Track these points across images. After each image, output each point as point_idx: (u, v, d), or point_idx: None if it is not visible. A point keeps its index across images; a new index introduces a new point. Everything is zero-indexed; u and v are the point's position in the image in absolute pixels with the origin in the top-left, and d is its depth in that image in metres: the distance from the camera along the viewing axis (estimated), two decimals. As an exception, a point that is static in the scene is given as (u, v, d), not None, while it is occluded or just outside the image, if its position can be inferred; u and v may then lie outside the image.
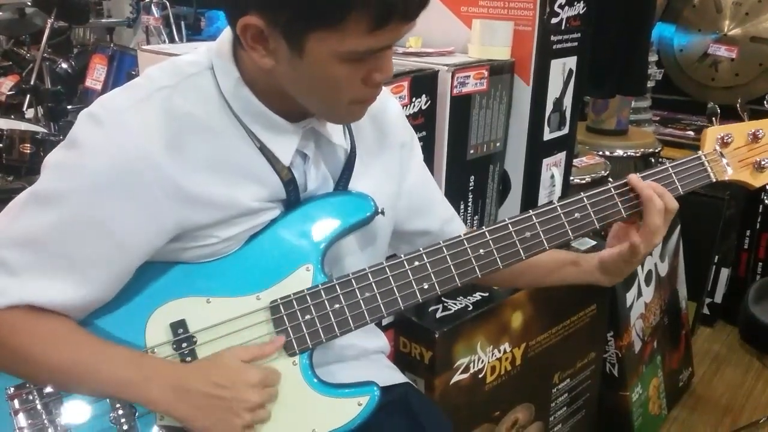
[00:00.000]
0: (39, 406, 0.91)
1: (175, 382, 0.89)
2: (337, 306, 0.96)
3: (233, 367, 0.91)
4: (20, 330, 0.89)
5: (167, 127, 0.88)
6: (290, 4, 0.79)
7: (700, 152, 1.10)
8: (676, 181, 1.07)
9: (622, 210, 1.05)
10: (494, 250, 1.01)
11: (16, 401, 0.91)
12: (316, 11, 0.79)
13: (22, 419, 0.90)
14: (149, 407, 0.91)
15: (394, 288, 0.98)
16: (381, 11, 0.79)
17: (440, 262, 0.99)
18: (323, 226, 0.99)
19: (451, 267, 0.99)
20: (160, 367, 0.91)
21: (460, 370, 1.52)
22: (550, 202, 1.05)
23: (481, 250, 1.01)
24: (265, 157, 0.94)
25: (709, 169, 1.09)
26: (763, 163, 1.10)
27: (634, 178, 1.06)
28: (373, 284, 0.97)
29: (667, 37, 3.50)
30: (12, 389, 0.91)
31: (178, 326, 0.94)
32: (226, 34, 0.93)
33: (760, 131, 1.10)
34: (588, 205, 1.04)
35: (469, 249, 1.00)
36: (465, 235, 1.01)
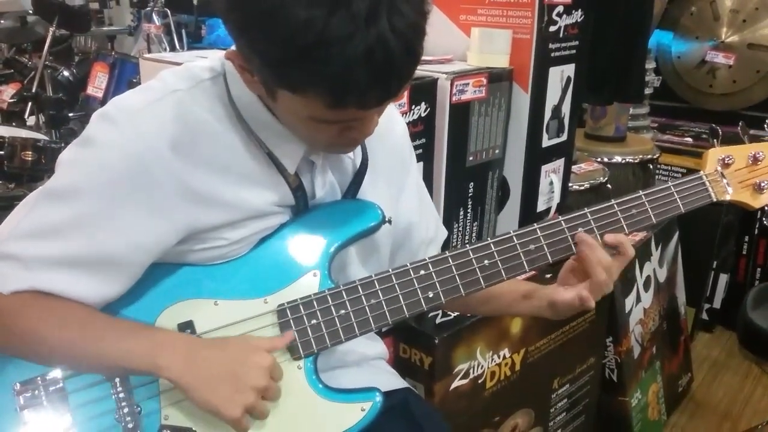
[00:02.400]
0: (45, 403, 0.92)
1: (187, 351, 0.90)
2: (343, 312, 0.97)
3: (246, 347, 0.91)
4: (29, 309, 0.90)
5: (179, 129, 0.89)
6: (258, 59, 0.80)
7: (701, 172, 1.12)
8: (678, 199, 1.09)
9: (625, 227, 1.06)
10: (498, 262, 1.02)
11: (22, 397, 0.92)
12: (276, 75, 0.80)
13: (28, 415, 0.91)
14: (155, 373, 0.90)
15: (400, 296, 0.99)
16: (336, 97, 0.78)
17: (445, 271, 1.00)
18: (331, 233, 1.00)
19: (456, 277, 1.00)
20: (172, 337, 0.92)
21: (459, 376, 1.53)
22: (555, 217, 1.05)
23: (486, 261, 1.02)
24: (273, 163, 0.96)
25: (710, 189, 1.11)
26: (762, 184, 1.12)
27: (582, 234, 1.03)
28: (379, 291, 0.98)
29: (665, 44, 3.52)
30: (19, 385, 0.92)
31: (186, 327, 0.95)
32: None
33: (761, 153, 1.13)
34: (591, 221, 1.05)
35: (474, 260, 1.01)
36: (470, 246, 1.02)
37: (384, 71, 0.77)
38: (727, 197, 1.12)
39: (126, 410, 0.92)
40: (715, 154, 1.13)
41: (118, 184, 0.88)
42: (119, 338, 0.90)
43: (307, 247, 0.99)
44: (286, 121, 0.92)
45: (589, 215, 1.05)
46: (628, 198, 1.08)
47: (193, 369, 0.88)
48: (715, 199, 1.12)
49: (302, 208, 1.00)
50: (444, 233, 1.28)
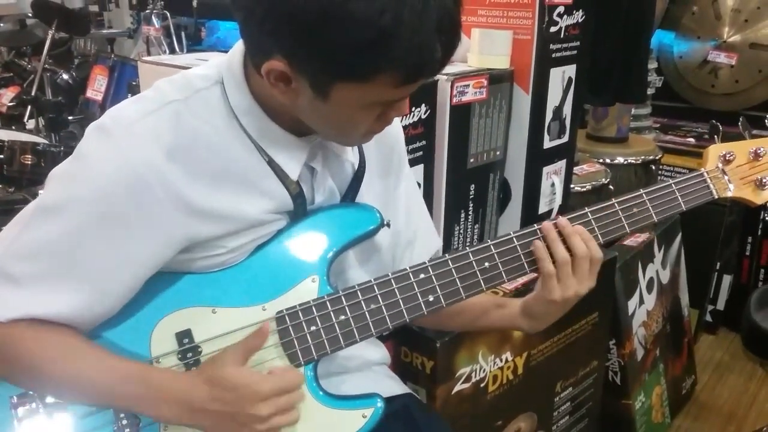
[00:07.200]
0: (43, 415, 0.91)
1: (182, 400, 0.88)
2: (342, 317, 0.96)
3: (238, 380, 0.87)
4: (27, 342, 0.89)
5: (175, 141, 0.88)
6: (319, 57, 0.79)
7: (702, 169, 1.11)
8: (679, 197, 1.08)
9: (626, 226, 1.05)
10: (499, 264, 1.01)
11: (20, 410, 0.91)
12: (344, 67, 0.80)
13: (25, 428, 0.90)
14: (162, 422, 0.91)
15: (400, 300, 0.98)
16: (411, 72, 0.80)
17: (445, 275, 0.99)
18: (329, 238, 0.99)
19: (457, 280, 0.99)
20: (167, 384, 0.90)
21: (461, 380, 1.51)
22: (555, 216, 1.04)
23: (486, 264, 1.00)
24: (273, 171, 0.94)
25: (711, 186, 1.10)
26: (764, 180, 1.11)
27: (547, 226, 1.02)
28: (378, 296, 0.97)
29: (667, 44, 3.51)
30: (16, 398, 0.91)
31: (184, 336, 0.94)
32: (238, 49, 0.93)
33: (762, 149, 1.12)
34: (592, 220, 1.04)
35: (474, 262, 1.00)
36: (470, 248, 1.01)
37: (451, 34, 0.81)
38: (729, 194, 1.11)
39: (125, 422, 0.91)
40: (716, 150, 1.12)
41: (113, 198, 0.86)
42: (119, 384, 0.89)
43: (305, 253, 0.98)
44: (322, 122, 0.90)
45: (589, 214, 1.04)
46: (629, 197, 1.07)
47: (196, 416, 0.88)
48: (716, 196, 1.11)
49: (301, 214, 0.99)
50: (437, 243, 1.24)
